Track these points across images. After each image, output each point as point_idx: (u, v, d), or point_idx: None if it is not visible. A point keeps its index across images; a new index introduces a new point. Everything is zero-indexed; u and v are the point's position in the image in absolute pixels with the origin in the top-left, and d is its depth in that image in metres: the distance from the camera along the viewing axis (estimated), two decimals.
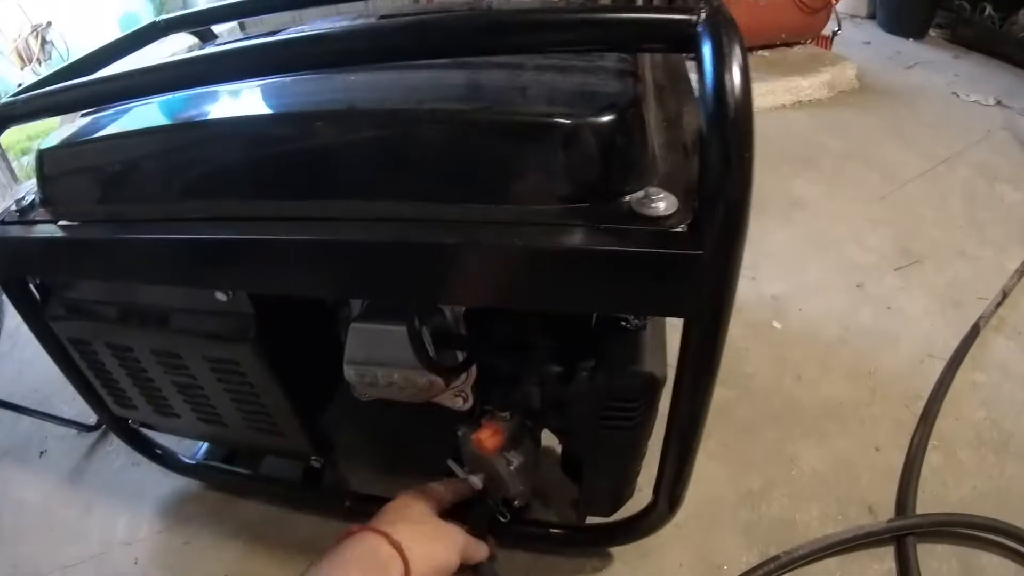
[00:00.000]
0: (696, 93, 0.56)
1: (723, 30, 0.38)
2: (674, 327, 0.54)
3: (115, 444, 1.03)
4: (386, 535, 0.58)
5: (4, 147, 2.14)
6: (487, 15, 0.43)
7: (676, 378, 0.52)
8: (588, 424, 0.60)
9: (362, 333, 0.63)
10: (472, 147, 0.49)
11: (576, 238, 0.45)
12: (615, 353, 0.56)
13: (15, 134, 0.69)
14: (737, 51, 0.38)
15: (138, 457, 0.93)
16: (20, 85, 0.64)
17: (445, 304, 0.61)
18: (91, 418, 1.05)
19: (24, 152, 3.09)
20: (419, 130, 0.50)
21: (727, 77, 0.38)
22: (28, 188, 0.67)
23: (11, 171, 2.09)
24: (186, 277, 0.60)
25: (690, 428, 0.55)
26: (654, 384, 0.55)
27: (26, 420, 1.09)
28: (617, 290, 0.46)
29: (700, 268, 0.43)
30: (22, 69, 3.54)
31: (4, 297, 1.41)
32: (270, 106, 0.59)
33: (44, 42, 3.62)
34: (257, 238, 0.52)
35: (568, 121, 0.46)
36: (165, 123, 0.60)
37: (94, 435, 1.06)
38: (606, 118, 0.46)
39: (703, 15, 0.39)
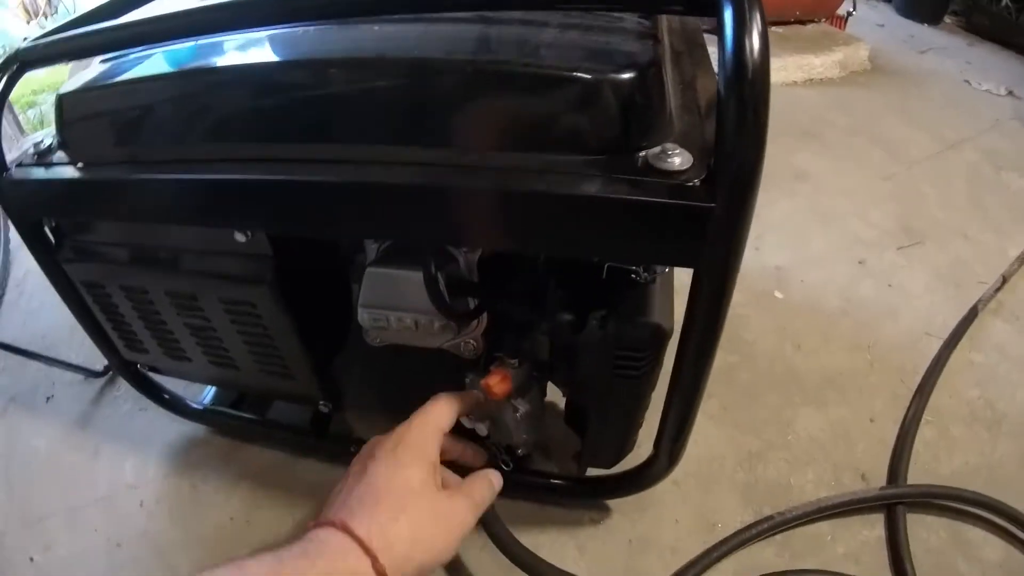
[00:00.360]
0: (712, 61, 0.57)
1: None
2: (679, 292, 0.56)
3: (122, 390, 1.04)
4: (360, 542, 0.48)
5: (11, 100, 2.14)
6: None
7: (682, 331, 0.53)
8: (596, 373, 0.61)
9: (378, 277, 0.64)
10: (498, 98, 0.50)
11: (594, 186, 0.46)
12: (626, 304, 0.57)
13: (20, 88, 0.70)
14: (757, 14, 0.39)
15: (146, 403, 0.94)
16: (25, 39, 0.64)
17: (465, 247, 0.62)
18: (98, 364, 1.07)
19: (30, 105, 3.09)
20: (447, 80, 0.50)
21: (747, 39, 0.38)
22: (44, 134, 0.67)
23: (18, 124, 2.10)
24: (206, 217, 0.60)
25: (694, 381, 0.56)
26: (662, 335, 0.56)
27: (33, 367, 1.10)
28: (632, 239, 0.48)
29: (712, 221, 0.44)
30: (28, 23, 3.51)
31: (11, 247, 1.42)
32: (296, 52, 0.59)
33: None
34: (286, 178, 0.52)
35: (591, 76, 0.47)
36: (190, 67, 0.60)
37: (101, 381, 1.07)
38: (627, 75, 0.47)
39: None
